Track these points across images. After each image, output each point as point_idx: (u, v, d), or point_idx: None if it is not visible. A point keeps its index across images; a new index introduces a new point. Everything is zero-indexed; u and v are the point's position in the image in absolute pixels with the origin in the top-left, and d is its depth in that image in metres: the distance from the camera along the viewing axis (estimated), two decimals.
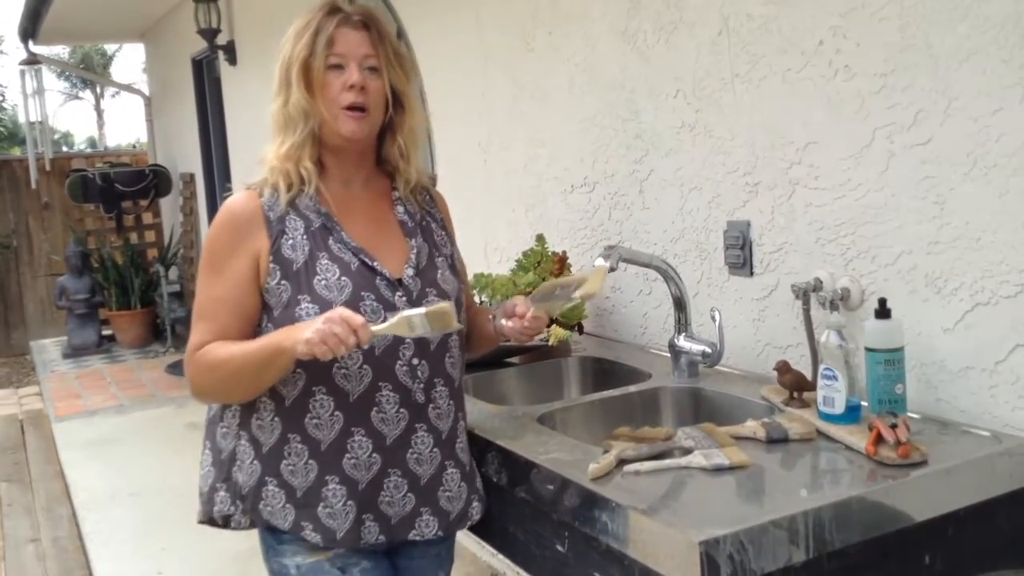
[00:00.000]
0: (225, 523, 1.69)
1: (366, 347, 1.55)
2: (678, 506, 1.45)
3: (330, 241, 1.63)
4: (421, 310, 1.54)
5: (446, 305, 1.55)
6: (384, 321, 1.56)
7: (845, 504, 1.39)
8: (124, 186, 8.16)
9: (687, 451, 1.59)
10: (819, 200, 1.94)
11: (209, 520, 1.71)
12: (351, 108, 1.62)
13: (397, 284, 1.64)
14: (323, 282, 1.59)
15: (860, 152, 1.83)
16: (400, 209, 1.73)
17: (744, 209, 2.14)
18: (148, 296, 8.14)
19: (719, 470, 1.52)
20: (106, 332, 8.19)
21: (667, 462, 1.56)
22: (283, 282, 1.60)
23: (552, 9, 2.74)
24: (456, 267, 1.78)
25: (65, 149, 21.02)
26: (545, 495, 1.61)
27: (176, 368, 6.95)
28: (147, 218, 8.79)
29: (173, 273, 8.07)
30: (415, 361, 1.64)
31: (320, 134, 1.65)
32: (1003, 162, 1.59)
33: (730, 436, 1.64)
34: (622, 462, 1.57)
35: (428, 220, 1.77)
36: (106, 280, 8.05)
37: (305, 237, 1.62)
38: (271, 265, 1.60)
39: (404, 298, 1.63)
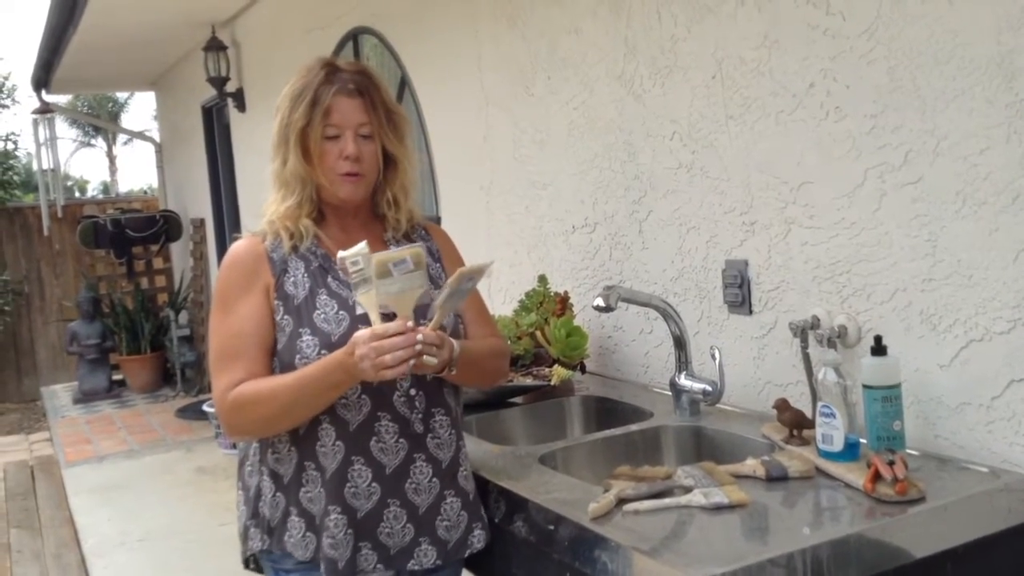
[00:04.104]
0: (258, 566, 1.75)
1: (413, 333, 1.55)
2: (676, 545, 1.46)
3: (328, 279, 1.71)
4: (445, 290, 1.59)
5: (458, 272, 1.59)
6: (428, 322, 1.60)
7: (843, 542, 1.40)
8: (135, 232, 8.23)
9: (687, 490, 1.60)
10: (814, 239, 1.96)
11: (247, 561, 1.77)
12: (347, 175, 1.70)
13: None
14: (322, 316, 1.67)
15: (853, 191, 1.86)
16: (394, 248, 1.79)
17: (741, 248, 2.16)
18: (158, 341, 8.18)
19: (718, 509, 1.53)
20: (116, 377, 8.23)
21: (666, 501, 1.57)
22: (286, 316, 1.67)
23: (550, 54, 2.79)
24: None
25: (78, 195, 21.26)
26: (546, 535, 1.62)
27: (186, 412, 6.97)
28: (157, 263, 8.86)
29: (183, 317, 8.11)
30: (412, 392, 1.69)
31: (318, 194, 1.74)
32: (992, 200, 1.61)
33: (730, 474, 1.65)
34: (622, 501, 1.58)
35: None
36: (116, 325, 8.11)
37: (306, 275, 1.70)
38: (275, 301, 1.69)
39: None
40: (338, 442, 1.66)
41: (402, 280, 1.57)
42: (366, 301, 1.58)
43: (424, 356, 1.56)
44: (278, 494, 1.70)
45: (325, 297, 1.69)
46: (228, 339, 1.68)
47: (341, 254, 1.60)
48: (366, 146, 1.71)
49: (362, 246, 1.58)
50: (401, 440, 1.68)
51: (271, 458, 1.71)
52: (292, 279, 1.70)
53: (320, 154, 1.70)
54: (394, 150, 1.76)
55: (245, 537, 1.75)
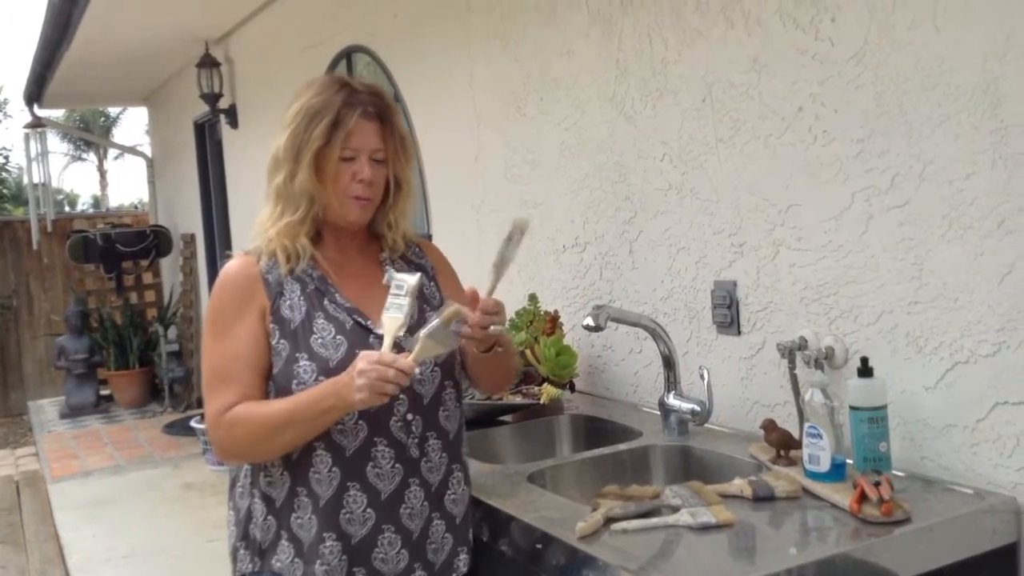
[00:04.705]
0: None
1: (413, 378, 1.59)
2: (664, 564, 1.46)
3: (325, 302, 1.69)
4: (435, 321, 1.57)
5: (453, 306, 1.58)
6: (409, 353, 1.57)
7: (829, 562, 1.41)
8: (125, 246, 8.23)
9: (674, 509, 1.61)
10: (802, 261, 1.98)
11: None
12: (358, 198, 1.69)
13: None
14: (319, 340, 1.64)
15: (840, 214, 1.88)
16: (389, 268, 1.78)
17: (730, 269, 2.18)
18: (146, 356, 8.15)
19: (705, 528, 1.54)
20: (104, 392, 8.18)
21: (654, 520, 1.58)
22: (282, 341, 1.65)
23: (542, 75, 2.81)
24: None
25: (68, 209, 21.22)
26: (534, 553, 1.62)
27: (174, 428, 6.94)
28: (147, 278, 8.85)
29: (172, 333, 8.09)
30: (409, 416, 1.68)
31: (322, 215, 1.71)
32: (977, 224, 1.64)
33: (717, 494, 1.66)
34: (610, 520, 1.58)
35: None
36: (105, 340, 8.08)
37: (302, 298, 1.68)
38: (271, 325, 1.66)
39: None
40: (334, 468, 1.64)
41: (439, 338, 1.56)
42: (389, 324, 1.58)
43: (490, 327, 1.59)
44: (269, 517, 1.68)
45: (322, 321, 1.66)
46: (222, 361, 1.66)
47: (394, 273, 1.62)
48: (378, 171, 1.70)
49: (417, 278, 1.61)
50: (397, 465, 1.66)
51: (263, 481, 1.69)
52: (288, 302, 1.67)
53: (335, 175, 1.67)
54: (402, 175, 1.75)
55: (235, 558, 1.73)
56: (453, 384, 1.77)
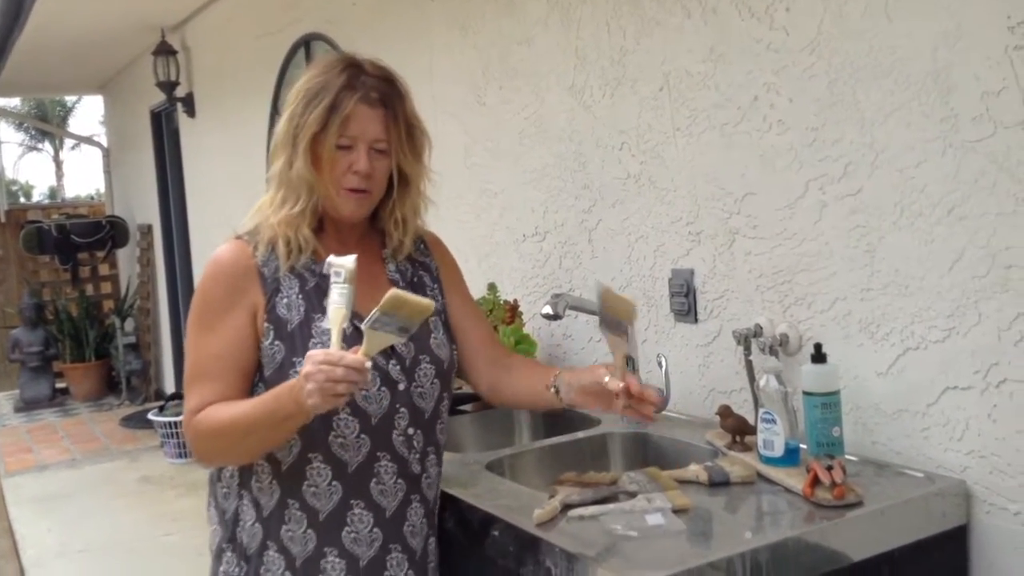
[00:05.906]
0: None
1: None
2: (619, 550, 1.47)
3: (325, 302, 1.56)
4: (375, 312, 1.40)
5: (390, 292, 1.41)
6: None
7: (782, 545, 1.43)
8: (80, 237, 8.10)
9: (631, 495, 1.62)
10: (758, 249, 2.00)
11: None
12: (353, 190, 1.59)
13: (390, 351, 1.58)
14: (318, 345, 1.54)
15: (794, 202, 1.90)
16: (391, 267, 1.70)
17: (688, 257, 2.19)
18: (103, 348, 8.05)
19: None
20: (60, 385, 8.07)
21: (611, 506, 1.58)
22: (276, 342, 1.56)
23: (502, 64, 2.81)
24: (449, 324, 1.73)
25: (23, 201, 20.83)
26: (492, 541, 1.63)
27: (131, 421, 6.85)
28: (103, 269, 8.72)
29: (129, 325, 7.98)
30: (411, 431, 1.61)
31: (321, 206, 1.61)
32: (928, 212, 1.66)
33: (673, 480, 1.68)
34: (567, 507, 1.59)
35: (421, 275, 1.74)
36: (60, 332, 7.96)
37: (300, 296, 1.58)
38: (265, 324, 1.57)
39: (398, 366, 1.60)
40: (335, 483, 1.56)
41: (387, 326, 1.42)
42: (334, 316, 1.44)
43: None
44: (257, 524, 1.61)
45: (322, 324, 1.54)
46: (203, 359, 1.57)
47: (331, 259, 1.46)
48: (379, 162, 1.58)
49: (351, 260, 1.44)
50: (399, 481, 1.60)
51: (254, 486, 1.60)
52: (285, 299, 1.57)
53: (330, 162, 1.56)
54: (409, 169, 1.63)
55: (219, 558, 1.65)
56: (449, 395, 1.71)
